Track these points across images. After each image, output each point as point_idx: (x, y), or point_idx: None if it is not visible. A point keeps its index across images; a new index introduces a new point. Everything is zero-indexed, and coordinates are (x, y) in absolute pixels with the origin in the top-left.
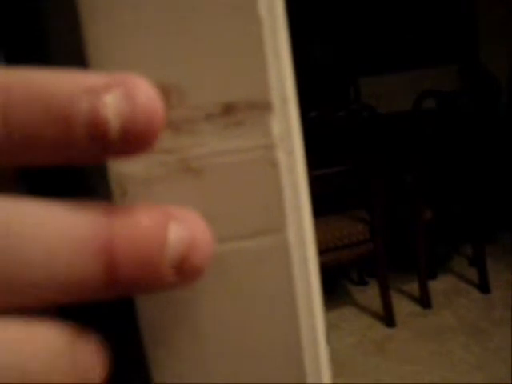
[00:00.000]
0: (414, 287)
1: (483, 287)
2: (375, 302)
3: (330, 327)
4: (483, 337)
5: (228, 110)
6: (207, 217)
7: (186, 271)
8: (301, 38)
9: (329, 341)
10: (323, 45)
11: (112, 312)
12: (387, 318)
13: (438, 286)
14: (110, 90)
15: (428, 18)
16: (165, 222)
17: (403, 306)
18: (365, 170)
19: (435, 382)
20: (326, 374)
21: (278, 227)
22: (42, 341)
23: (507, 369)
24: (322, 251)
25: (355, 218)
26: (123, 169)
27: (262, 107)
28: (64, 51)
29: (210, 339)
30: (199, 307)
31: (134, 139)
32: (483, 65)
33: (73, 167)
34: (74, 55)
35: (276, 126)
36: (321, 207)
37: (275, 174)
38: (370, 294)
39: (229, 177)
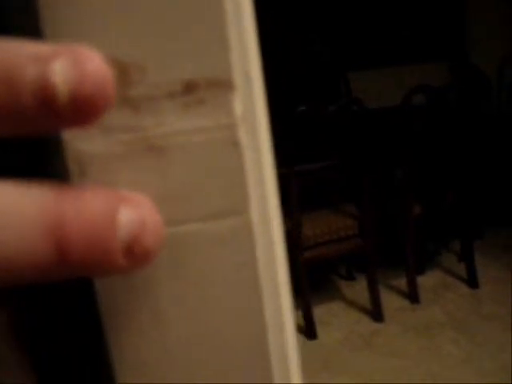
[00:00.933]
0: (402, 282)
1: (471, 282)
2: (363, 297)
3: (319, 322)
4: (471, 332)
5: (189, 88)
6: (168, 197)
7: (136, 254)
8: (293, 34)
9: (317, 335)
10: (315, 40)
11: (73, 297)
12: (375, 313)
13: (427, 281)
14: (58, 58)
15: (419, 14)
16: (116, 204)
17: (391, 301)
18: (354, 164)
19: (423, 377)
20: (294, 358)
21: (240, 208)
22: None
23: (495, 363)
24: (311, 246)
25: (344, 213)
26: (82, 146)
27: (223, 85)
28: (21, 29)
29: (171, 323)
30: (160, 291)
31: (83, 106)
32: (473, 62)
33: (32, 148)
34: (31, 34)
35: (238, 105)
36: (310, 202)
37: (237, 153)
38: (358, 289)
39: (190, 156)
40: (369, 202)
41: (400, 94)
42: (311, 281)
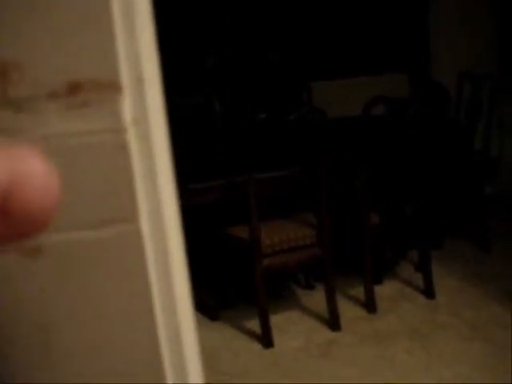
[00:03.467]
0: (359, 292)
1: (428, 292)
2: (321, 306)
3: (276, 330)
4: (426, 341)
5: (73, 89)
6: None
7: (13, 211)
8: (256, 42)
9: (273, 343)
10: (279, 50)
11: None
12: (332, 322)
13: (384, 290)
14: None
15: (382, 27)
16: None
17: (349, 310)
18: (313, 173)
19: None
20: (194, 369)
21: (129, 216)
22: None
23: (449, 372)
24: (269, 254)
25: (303, 222)
26: None
27: (110, 88)
28: None
29: (58, 335)
30: (47, 301)
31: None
32: (434, 75)
33: None
34: None
35: (127, 109)
36: (268, 210)
37: (125, 159)
38: (316, 298)
39: (74, 161)
40: (327, 212)
41: (362, 104)
42: (269, 289)
